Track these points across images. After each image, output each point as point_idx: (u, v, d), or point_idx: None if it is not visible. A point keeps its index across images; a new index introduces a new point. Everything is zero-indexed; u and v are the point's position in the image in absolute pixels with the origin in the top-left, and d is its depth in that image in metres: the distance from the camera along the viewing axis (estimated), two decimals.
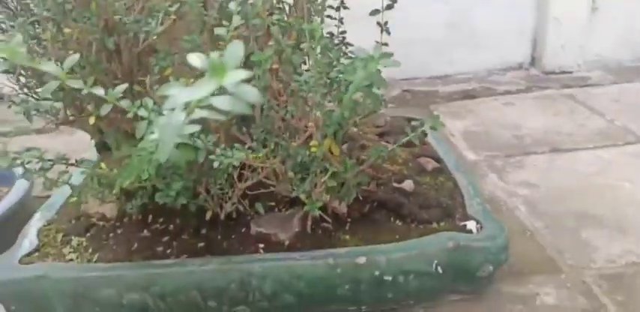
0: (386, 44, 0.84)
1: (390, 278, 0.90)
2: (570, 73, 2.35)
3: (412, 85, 2.34)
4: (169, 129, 0.45)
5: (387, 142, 1.24)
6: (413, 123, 1.42)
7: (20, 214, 1.23)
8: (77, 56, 0.53)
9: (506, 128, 1.83)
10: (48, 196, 1.50)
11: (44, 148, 2.06)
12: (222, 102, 0.40)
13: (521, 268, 1.07)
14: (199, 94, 0.40)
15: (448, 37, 2.34)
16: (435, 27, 2.32)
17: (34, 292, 0.91)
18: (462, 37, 2.37)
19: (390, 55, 0.64)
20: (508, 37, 2.39)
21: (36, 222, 1.07)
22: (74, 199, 0.94)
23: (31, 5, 0.68)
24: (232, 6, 0.63)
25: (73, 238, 1.01)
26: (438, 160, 1.22)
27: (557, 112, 1.94)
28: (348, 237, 0.95)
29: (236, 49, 0.37)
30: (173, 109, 0.44)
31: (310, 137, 0.76)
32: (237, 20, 0.63)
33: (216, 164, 0.67)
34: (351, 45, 0.94)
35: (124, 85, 0.58)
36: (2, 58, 0.49)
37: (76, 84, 0.53)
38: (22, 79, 0.94)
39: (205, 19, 0.72)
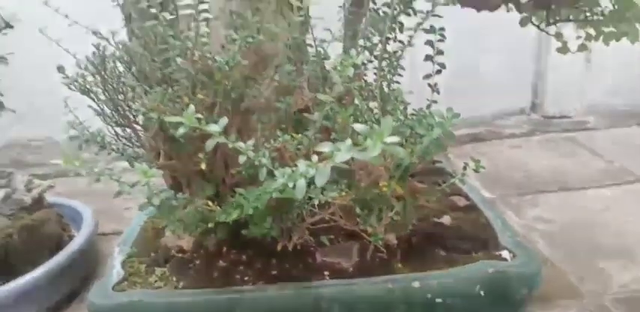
0: (435, 101, 1.02)
1: (440, 300, 1.03)
2: (569, 117, 2.56)
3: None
4: (322, 175, 0.61)
5: (421, 181, 1.41)
6: (438, 165, 1.58)
7: (88, 251, 1.37)
8: (226, 120, 0.69)
9: (516, 169, 2.01)
10: (107, 234, 1.64)
11: (86, 189, 2.19)
12: (364, 156, 0.57)
13: (547, 294, 1.21)
14: (353, 153, 0.56)
15: (455, 85, 2.56)
16: (443, 76, 2.52)
17: None
18: (468, 86, 2.58)
19: (458, 115, 0.82)
20: (510, 85, 2.62)
21: (118, 255, 1.20)
22: (169, 232, 1.08)
23: (171, 75, 0.85)
24: (334, 75, 0.81)
25: (155, 268, 1.14)
26: (467, 197, 1.38)
27: (561, 154, 2.13)
28: (400, 265, 1.09)
29: (388, 122, 0.53)
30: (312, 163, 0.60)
31: (377, 177, 0.92)
32: (339, 88, 0.80)
33: (316, 201, 0.83)
34: None
35: (252, 140, 0.75)
36: (180, 122, 0.65)
37: (223, 140, 0.70)
38: (120, 131, 1.10)
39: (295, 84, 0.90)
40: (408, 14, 1.07)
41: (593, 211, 1.62)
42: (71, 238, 1.38)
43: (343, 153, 0.57)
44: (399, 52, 1.00)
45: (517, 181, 1.89)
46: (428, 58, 1.09)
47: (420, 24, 0.93)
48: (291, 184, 0.70)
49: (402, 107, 0.92)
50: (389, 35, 1.03)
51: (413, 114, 0.96)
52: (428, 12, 0.95)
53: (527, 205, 1.70)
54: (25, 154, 2.38)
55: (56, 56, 1.21)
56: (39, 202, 1.40)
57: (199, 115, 0.67)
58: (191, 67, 0.87)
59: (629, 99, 2.62)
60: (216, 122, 0.71)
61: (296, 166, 0.72)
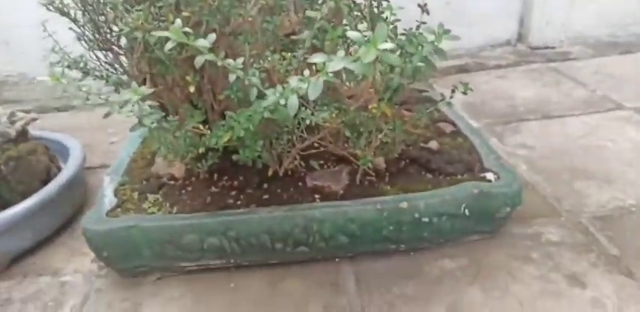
0: (424, 23, 1.00)
1: (427, 220, 1.08)
2: (553, 48, 2.54)
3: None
4: (315, 88, 0.61)
5: (408, 109, 1.41)
6: (425, 94, 1.58)
7: (77, 182, 1.37)
8: (214, 36, 0.67)
9: (501, 99, 2.02)
10: (94, 167, 1.64)
11: (68, 123, 2.17)
12: (357, 68, 0.56)
13: (526, 214, 1.27)
14: (346, 62, 0.56)
15: (443, 16, 2.50)
16: (431, 8, 2.46)
17: (125, 240, 1.06)
18: (454, 16, 2.53)
19: (449, 31, 0.81)
20: (496, 15, 2.57)
21: (109, 184, 1.21)
22: (162, 158, 1.09)
23: None
24: None
25: (148, 195, 1.15)
26: (453, 124, 1.40)
27: (544, 84, 2.14)
28: (389, 187, 1.12)
29: (383, 29, 0.52)
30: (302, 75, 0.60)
31: (367, 100, 0.92)
32: (329, 4, 0.78)
33: (307, 122, 0.83)
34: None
35: (240, 59, 0.73)
36: (167, 37, 0.63)
37: (212, 57, 0.68)
38: (103, 56, 1.07)
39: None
40: None
41: (573, 137, 1.66)
42: (60, 169, 1.37)
43: (336, 62, 0.56)
44: None
45: (501, 111, 1.91)
46: None
47: None
48: (282, 102, 0.70)
49: (391, 26, 0.90)
50: None
51: (403, 33, 0.95)
52: None
53: (510, 132, 1.73)
54: (1, 91, 2.31)
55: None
56: (23, 135, 1.38)
57: (187, 29, 0.66)
58: None
59: (613, 30, 2.61)
60: (204, 39, 0.70)
61: (284, 83, 0.72)
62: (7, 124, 1.35)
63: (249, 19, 0.89)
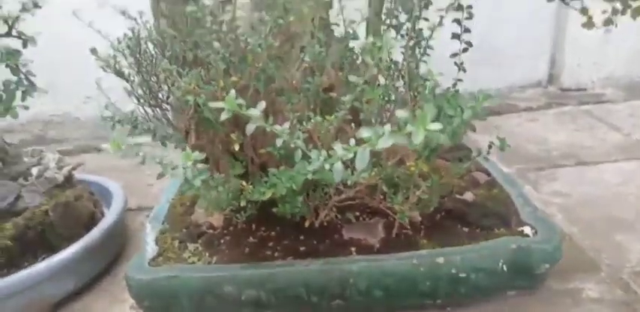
0: (461, 80, 1.03)
1: (464, 275, 1.07)
2: (585, 90, 2.54)
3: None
4: (362, 159, 0.63)
5: (443, 157, 1.43)
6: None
7: (119, 228, 1.41)
8: (264, 104, 0.71)
9: (533, 143, 2.02)
10: (133, 209, 1.68)
11: (108, 164, 2.22)
12: (409, 143, 0.59)
13: (565, 268, 1.25)
14: (395, 139, 0.58)
15: (472, 56, 2.54)
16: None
17: (166, 290, 1.08)
18: (485, 57, 2.56)
19: (489, 96, 0.83)
20: (527, 56, 2.59)
21: (150, 231, 1.25)
22: (203, 209, 1.12)
23: (206, 59, 0.86)
24: (366, 58, 0.82)
25: (188, 244, 1.18)
26: (487, 173, 1.40)
27: (577, 128, 2.13)
28: (425, 241, 1.13)
29: (431, 109, 0.55)
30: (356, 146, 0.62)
31: (404, 156, 0.95)
32: (372, 71, 0.81)
33: (350, 182, 0.86)
34: None
35: (287, 123, 0.77)
36: (223, 107, 0.67)
37: (262, 123, 0.72)
38: (151, 111, 1.13)
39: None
40: None
41: (610, 185, 1.64)
42: (103, 214, 1.42)
43: (386, 139, 0.59)
44: (429, 32, 1.00)
45: (534, 155, 1.91)
46: (455, 36, 1.10)
47: (452, 4, 0.94)
48: (327, 167, 0.73)
49: (430, 86, 0.93)
50: (417, 14, 1.04)
51: (441, 93, 0.98)
52: None
53: (544, 179, 1.72)
54: (46, 130, 2.41)
55: (76, 32, 1.22)
56: (69, 180, 1.43)
57: (241, 101, 0.69)
58: (225, 50, 0.88)
59: None
60: (254, 106, 0.73)
61: (329, 147, 0.75)
62: (55, 169, 1.41)
63: (293, 81, 0.93)
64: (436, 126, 0.54)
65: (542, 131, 2.13)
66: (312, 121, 0.87)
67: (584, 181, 1.69)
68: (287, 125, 0.77)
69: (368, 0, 1.14)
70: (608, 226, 1.41)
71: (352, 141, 0.70)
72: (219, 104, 0.69)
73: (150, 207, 1.43)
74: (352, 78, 0.85)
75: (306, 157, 0.80)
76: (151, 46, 0.97)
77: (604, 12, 1.25)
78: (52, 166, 1.41)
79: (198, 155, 0.75)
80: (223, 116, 0.69)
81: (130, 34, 1.02)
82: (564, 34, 2.48)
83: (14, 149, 1.35)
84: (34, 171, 1.38)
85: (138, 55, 0.94)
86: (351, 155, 0.68)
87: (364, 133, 0.61)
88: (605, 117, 2.22)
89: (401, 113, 0.57)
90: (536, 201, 1.59)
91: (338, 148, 0.71)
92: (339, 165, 0.71)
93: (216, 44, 0.83)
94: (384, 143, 0.59)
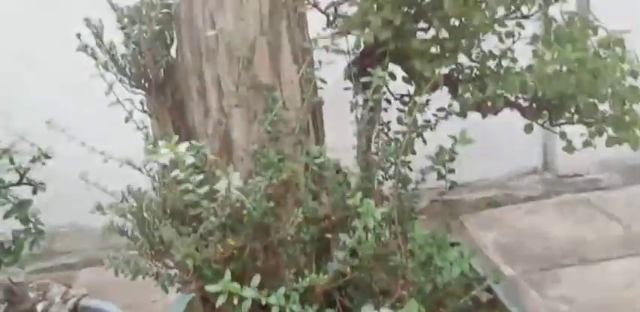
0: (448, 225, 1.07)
1: None
2: (582, 175, 2.58)
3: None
4: None
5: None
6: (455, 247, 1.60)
7: None
8: (259, 278, 0.75)
9: (535, 238, 2.03)
10: None
11: (111, 279, 2.22)
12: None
13: None
14: None
15: (468, 149, 2.61)
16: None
17: None
18: (478, 147, 2.63)
19: (474, 254, 0.87)
20: (520, 144, 2.66)
21: None
22: None
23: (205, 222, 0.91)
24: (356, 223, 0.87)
25: None
26: (489, 290, 1.40)
27: (577, 220, 2.15)
28: None
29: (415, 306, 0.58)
30: None
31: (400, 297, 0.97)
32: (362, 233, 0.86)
33: None
34: None
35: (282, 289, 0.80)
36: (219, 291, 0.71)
37: (256, 295, 0.75)
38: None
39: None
40: (424, 141, 1.15)
41: (617, 288, 1.64)
42: None
43: None
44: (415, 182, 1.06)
45: (537, 254, 1.91)
46: (440, 176, 1.15)
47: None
48: None
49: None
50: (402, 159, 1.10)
51: (431, 236, 1.01)
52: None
53: (549, 281, 1.72)
54: (53, 242, 2.45)
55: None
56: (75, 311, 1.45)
57: (235, 285, 0.73)
58: (221, 212, 0.93)
59: (637, 153, 2.65)
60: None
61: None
62: (61, 304, 1.43)
63: (289, 235, 0.97)
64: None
65: (542, 225, 2.14)
66: (308, 279, 0.90)
67: (589, 283, 1.69)
68: (282, 291, 0.80)
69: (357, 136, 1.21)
70: None
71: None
72: (216, 288, 0.73)
73: None
74: (343, 236, 0.89)
75: None
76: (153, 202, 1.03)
77: (582, 135, 1.32)
78: (58, 301, 1.43)
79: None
80: (220, 301, 0.73)
81: (133, 188, 1.08)
82: None
83: (20, 288, 1.38)
84: (40, 307, 1.40)
85: (140, 215, 0.99)
86: None
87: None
88: (603, 205, 2.25)
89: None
90: (542, 309, 1.58)
91: None
92: None
93: (210, 206, 0.89)
94: None
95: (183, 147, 0.74)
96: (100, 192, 1.22)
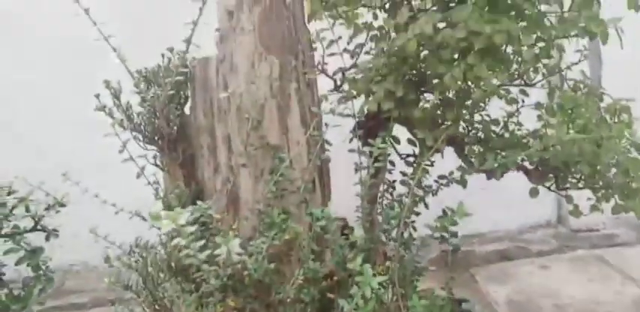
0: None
1: None
2: (597, 230, 2.53)
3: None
4: None
5: None
6: (465, 306, 1.59)
7: None
8: None
9: (547, 297, 1.98)
10: None
11: None
12: None
13: None
14: None
15: (481, 198, 2.59)
16: (470, 189, 2.57)
17: None
18: (492, 199, 2.61)
19: None
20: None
21: None
22: None
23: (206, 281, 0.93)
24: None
25: None
26: None
27: (591, 278, 2.10)
28: None
29: None
30: None
31: None
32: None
33: None
34: None
35: None
36: None
37: None
38: None
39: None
40: (426, 206, 1.17)
41: None
42: None
43: None
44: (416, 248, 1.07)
45: None
46: (443, 239, 1.16)
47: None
48: None
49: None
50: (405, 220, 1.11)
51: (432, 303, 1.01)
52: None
53: None
54: (64, 281, 2.47)
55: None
56: None
57: None
58: (222, 273, 0.95)
59: None
60: None
61: None
62: None
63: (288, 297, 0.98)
64: None
65: (555, 281, 2.10)
66: None
67: None
68: None
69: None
70: None
71: None
72: None
73: None
74: (343, 302, 0.90)
75: None
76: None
77: (589, 199, 1.32)
78: None
79: None
80: None
81: (141, 240, 1.12)
82: None
83: None
84: None
85: (145, 273, 1.02)
86: None
87: None
88: (619, 264, 2.19)
89: None
90: None
91: None
92: None
93: (211, 269, 0.90)
94: None
95: (183, 218, 0.76)
96: (113, 234, 1.27)
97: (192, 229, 0.78)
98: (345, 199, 1.26)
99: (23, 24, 2.26)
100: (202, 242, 0.89)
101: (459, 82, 0.90)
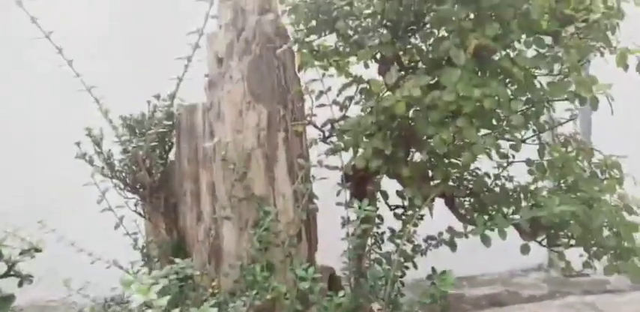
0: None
1: None
2: (588, 275, 2.49)
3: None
4: None
5: None
6: None
7: None
8: None
9: None
10: None
11: None
12: None
13: None
14: None
15: (472, 241, 2.55)
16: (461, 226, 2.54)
17: None
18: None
19: None
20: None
21: None
22: None
23: None
24: None
25: None
26: None
27: None
28: None
29: None
30: None
31: None
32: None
33: None
34: None
35: None
36: None
37: None
38: None
39: None
40: (415, 266, 1.13)
41: None
42: None
43: None
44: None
45: None
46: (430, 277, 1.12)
47: None
48: None
49: None
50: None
51: None
52: None
53: None
54: None
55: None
56: None
57: None
58: None
59: None
60: None
61: None
62: None
63: None
64: None
65: None
66: None
67: None
68: None
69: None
70: None
71: None
72: None
73: None
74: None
75: None
76: None
77: (581, 255, 1.29)
78: None
79: None
80: None
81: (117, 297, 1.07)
82: None
83: None
84: None
85: None
86: None
87: None
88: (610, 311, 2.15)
89: None
90: None
91: None
92: None
93: None
94: None
95: (153, 292, 0.72)
96: (91, 270, 1.24)
97: (163, 301, 0.74)
98: (333, 245, 1.22)
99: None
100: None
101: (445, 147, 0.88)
